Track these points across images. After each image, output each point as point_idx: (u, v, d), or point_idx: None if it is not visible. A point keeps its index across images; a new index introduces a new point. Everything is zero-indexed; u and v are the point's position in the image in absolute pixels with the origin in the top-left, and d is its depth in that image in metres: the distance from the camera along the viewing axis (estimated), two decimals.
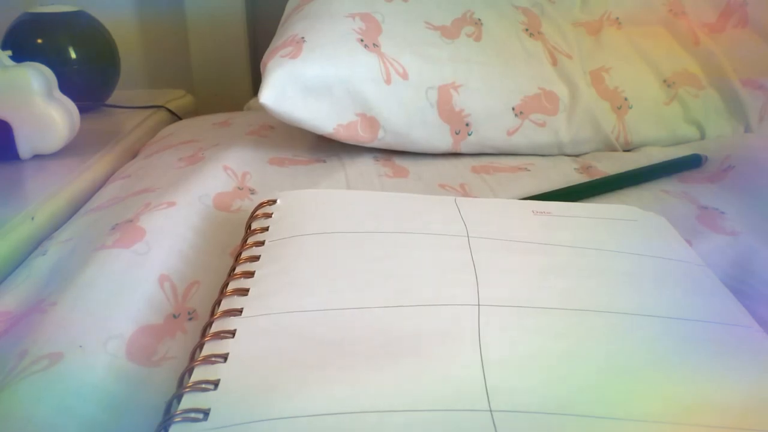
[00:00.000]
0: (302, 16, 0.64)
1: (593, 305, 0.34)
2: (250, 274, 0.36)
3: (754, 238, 0.46)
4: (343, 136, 0.62)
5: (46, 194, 0.61)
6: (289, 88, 0.59)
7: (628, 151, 0.68)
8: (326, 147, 0.66)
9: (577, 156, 0.66)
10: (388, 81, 0.61)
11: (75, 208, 0.60)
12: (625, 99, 0.67)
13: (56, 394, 0.30)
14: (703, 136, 0.69)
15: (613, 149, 0.67)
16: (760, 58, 0.71)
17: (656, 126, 0.68)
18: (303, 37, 0.61)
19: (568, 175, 0.60)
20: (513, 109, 0.63)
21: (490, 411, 0.27)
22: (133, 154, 0.76)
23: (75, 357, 0.33)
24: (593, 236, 0.41)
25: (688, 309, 0.34)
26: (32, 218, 0.57)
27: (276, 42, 0.63)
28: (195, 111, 1.03)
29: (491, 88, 0.63)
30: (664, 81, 0.69)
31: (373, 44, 0.62)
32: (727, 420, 0.27)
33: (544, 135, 0.65)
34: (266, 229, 0.41)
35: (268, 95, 0.58)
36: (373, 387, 0.28)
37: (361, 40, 0.62)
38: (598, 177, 0.58)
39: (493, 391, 0.28)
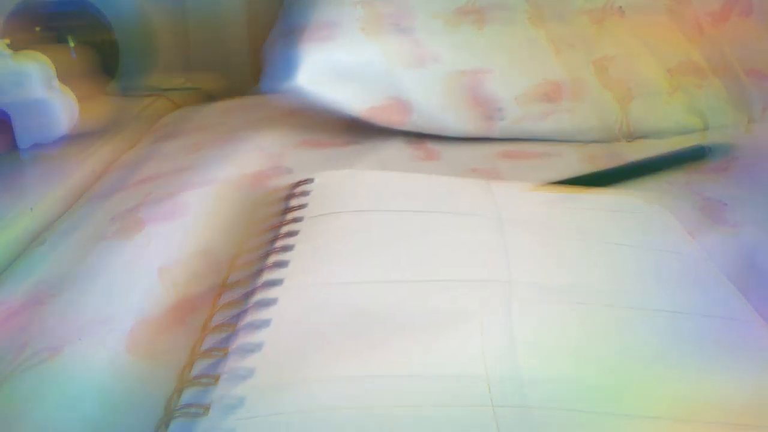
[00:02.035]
0: (337, 1, 0.65)
1: (602, 297, 0.35)
2: (289, 248, 0.38)
3: (757, 230, 0.45)
4: (376, 118, 0.63)
5: (45, 184, 0.59)
6: (324, 71, 0.60)
7: (631, 141, 0.67)
8: (359, 130, 0.67)
9: (580, 145, 0.66)
10: (420, 65, 0.62)
11: (74, 198, 0.58)
12: (629, 89, 0.66)
13: (56, 387, 0.31)
14: (706, 127, 0.68)
15: (616, 139, 0.66)
16: (765, 47, 0.70)
17: (660, 116, 0.67)
18: (338, 22, 0.62)
19: (571, 165, 0.60)
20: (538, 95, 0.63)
21: (518, 380, 0.28)
22: (134, 143, 0.73)
23: (74, 351, 0.33)
24: (605, 228, 0.42)
25: (690, 304, 0.34)
26: (31, 209, 0.55)
27: (311, 26, 0.64)
28: (196, 99, 1.02)
29: (520, 73, 0.64)
30: (668, 71, 0.68)
31: (406, 29, 0.63)
32: (728, 414, 0.28)
33: (547, 124, 0.64)
34: (303, 206, 0.43)
35: (304, 78, 0.60)
36: (408, 356, 0.29)
37: (395, 25, 0.63)
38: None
39: (521, 363, 0.29)
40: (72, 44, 0.87)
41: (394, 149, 0.63)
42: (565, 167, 0.59)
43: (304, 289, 0.34)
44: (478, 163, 0.60)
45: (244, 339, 0.30)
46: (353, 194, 0.43)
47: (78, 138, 0.69)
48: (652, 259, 0.39)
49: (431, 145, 0.64)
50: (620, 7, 0.71)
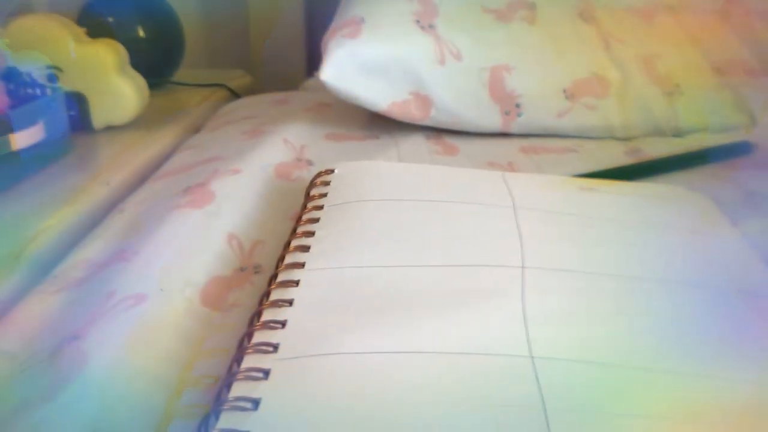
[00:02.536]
0: None
1: (632, 273, 0.36)
2: (310, 234, 0.39)
3: None
4: (397, 113, 0.65)
5: (119, 162, 0.66)
6: (348, 66, 0.62)
7: (677, 136, 0.68)
8: (380, 124, 0.69)
9: (626, 140, 0.68)
10: (442, 62, 0.63)
11: (145, 175, 0.64)
12: (677, 85, 0.68)
13: (141, 328, 0.34)
14: (753, 124, 0.69)
15: (663, 135, 0.68)
16: None
17: (706, 112, 0.68)
18: (363, 18, 0.64)
19: (616, 157, 0.62)
20: (564, 91, 0.65)
21: (531, 357, 0.29)
22: (197, 129, 0.80)
23: (157, 299, 0.36)
24: (637, 211, 0.43)
25: (725, 279, 0.36)
26: (108, 183, 0.61)
27: (337, 22, 0.66)
28: (252, 90, 1.07)
29: (543, 70, 0.65)
30: (716, 68, 0.69)
31: (429, 26, 0.64)
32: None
33: (594, 118, 0.66)
34: (325, 195, 0.44)
35: (329, 72, 0.61)
36: (425, 332, 0.30)
37: (418, 22, 0.64)
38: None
39: (534, 340, 0.30)
40: (142, 34, 0.91)
41: (414, 144, 0.64)
42: (582, 163, 0.60)
43: (327, 272, 0.35)
44: (495, 158, 0.61)
45: (267, 317, 0.32)
46: (373, 184, 0.45)
47: (147, 121, 0.75)
48: (688, 240, 0.40)
49: (450, 140, 0.66)
50: (671, 5, 0.72)
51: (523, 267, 0.36)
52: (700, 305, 0.34)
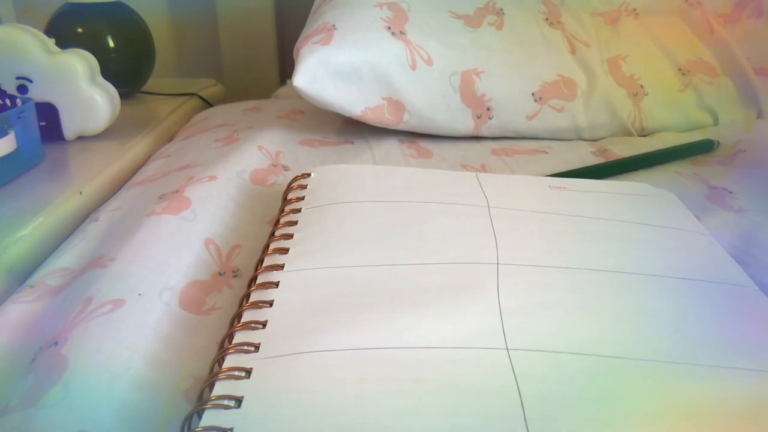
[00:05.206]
0: (333, 5, 0.68)
1: (602, 266, 0.37)
2: (289, 236, 0.40)
3: (760, 215, 0.49)
4: (371, 118, 0.65)
5: (91, 171, 0.66)
6: (321, 72, 0.62)
7: (643, 136, 0.70)
8: (354, 130, 0.69)
9: (593, 140, 0.69)
10: (413, 67, 0.64)
11: (118, 185, 0.64)
12: (641, 86, 0.70)
13: (120, 332, 0.34)
14: (716, 123, 0.71)
15: (629, 134, 0.70)
16: None
17: (671, 112, 0.70)
18: (334, 25, 0.64)
19: (584, 157, 0.63)
20: (533, 94, 0.66)
21: (507, 349, 0.30)
22: (169, 138, 0.79)
23: (135, 303, 0.37)
24: (606, 208, 0.44)
25: (689, 270, 0.37)
26: (80, 192, 0.61)
27: (308, 29, 0.66)
28: (224, 99, 1.07)
29: (512, 74, 0.66)
30: (679, 69, 0.71)
31: (400, 32, 0.65)
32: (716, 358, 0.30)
33: (563, 120, 0.67)
34: (302, 198, 0.45)
35: (301, 79, 0.62)
36: (403, 327, 0.31)
37: (389, 28, 0.65)
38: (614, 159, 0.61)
39: (509, 333, 0.31)
40: (111, 44, 0.91)
41: (388, 148, 0.65)
42: (552, 163, 0.61)
43: (306, 272, 0.36)
44: (468, 160, 0.62)
45: (248, 318, 0.32)
46: (349, 186, 0.45)
47: (119, 131, 0.75)
48: (654, 233, 0.41)
49: (423, 144, 0.67)
50: (634, 9, 0.74)
51: (498, 264, 0.36)
52: (672, 296, 0.35)
